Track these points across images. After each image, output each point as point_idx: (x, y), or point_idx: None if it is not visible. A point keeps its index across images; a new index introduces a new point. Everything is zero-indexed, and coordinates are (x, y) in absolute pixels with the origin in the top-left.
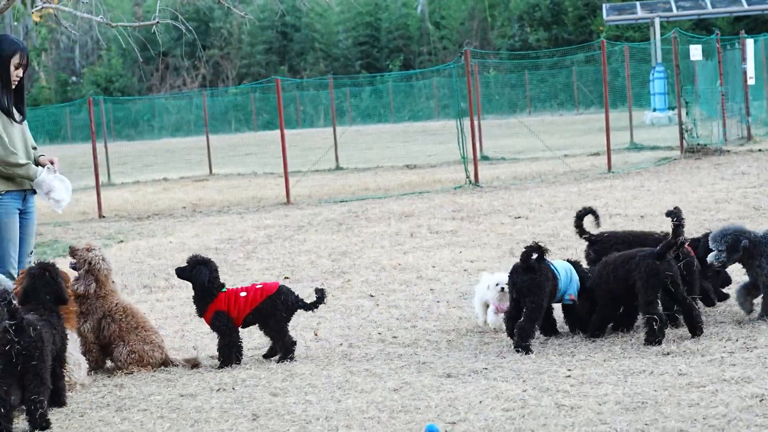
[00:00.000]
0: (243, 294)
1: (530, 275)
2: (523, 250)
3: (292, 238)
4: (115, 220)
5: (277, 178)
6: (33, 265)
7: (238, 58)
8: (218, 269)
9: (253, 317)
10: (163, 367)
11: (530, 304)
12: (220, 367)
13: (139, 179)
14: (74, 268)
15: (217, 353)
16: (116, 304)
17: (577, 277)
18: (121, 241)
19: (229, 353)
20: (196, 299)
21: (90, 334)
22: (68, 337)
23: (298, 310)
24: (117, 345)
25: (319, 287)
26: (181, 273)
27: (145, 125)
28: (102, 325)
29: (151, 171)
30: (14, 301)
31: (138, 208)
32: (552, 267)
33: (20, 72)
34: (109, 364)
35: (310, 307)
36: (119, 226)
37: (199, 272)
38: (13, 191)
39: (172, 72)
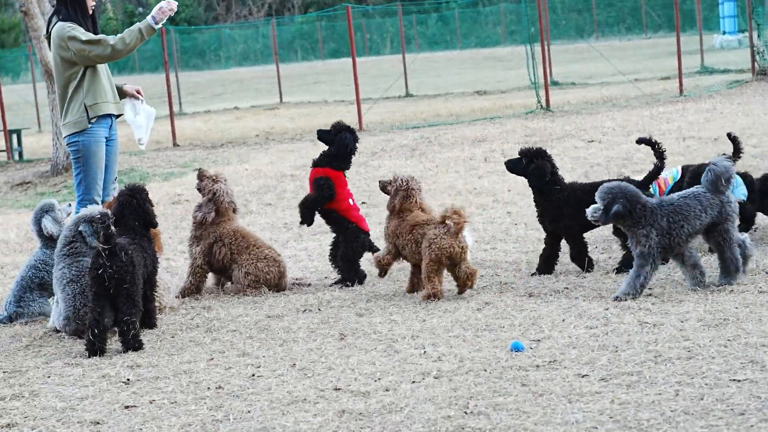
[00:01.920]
0: None
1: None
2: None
3: (366, 164)
4: (190, 149)
5: (347, 105)
6: (123, 189)
7: None
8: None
9: None
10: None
11: None
12: None
13: (210, 108)
14: (199, 190)
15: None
16: (228, 229)
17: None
18: (197, 170)
19: None
20: None
21: (199, 257)
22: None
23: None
24: (232, 269)
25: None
26: (324, 135)
27: (212, 55)
28: (213, 250)
29: (221, 100)
30: (111, 227)
31: (211, 137)
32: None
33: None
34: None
35: None
36: (194, 154)
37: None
38: (101, 117)
39: (237, 1)
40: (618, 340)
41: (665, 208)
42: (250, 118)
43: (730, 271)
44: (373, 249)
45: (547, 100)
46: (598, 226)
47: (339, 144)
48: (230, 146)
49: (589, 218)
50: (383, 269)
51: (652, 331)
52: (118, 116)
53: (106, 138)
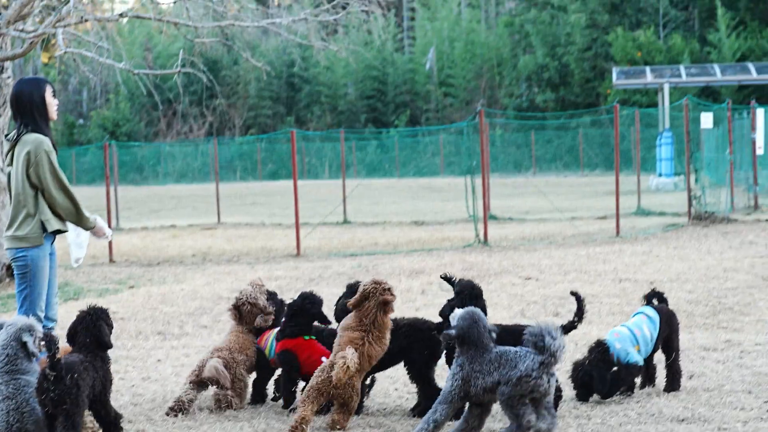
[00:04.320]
0: None
1: None
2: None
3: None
4: (126, 265)
5: (285, 229)
6: (85, 308)
7: (244, 108)
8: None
9: None
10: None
11: None
12: None
13: (147, 225)
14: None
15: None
16: None
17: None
18: (132, 287)
19: None
20: None
21: None
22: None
23: None
24: None
25: None
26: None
27: (150, 170)
28: None
29: (158, 217)
30: (57, 352)
31: (148, 254)
32: None
33: (56, 101)
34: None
35: None
36: (130, 271)
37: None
38: (48, 234)
39: (179, 119)
40: None
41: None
42: (187, 237)
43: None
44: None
45: (485, 234)
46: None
47: None
48: (167, 264)
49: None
50: None
51: None
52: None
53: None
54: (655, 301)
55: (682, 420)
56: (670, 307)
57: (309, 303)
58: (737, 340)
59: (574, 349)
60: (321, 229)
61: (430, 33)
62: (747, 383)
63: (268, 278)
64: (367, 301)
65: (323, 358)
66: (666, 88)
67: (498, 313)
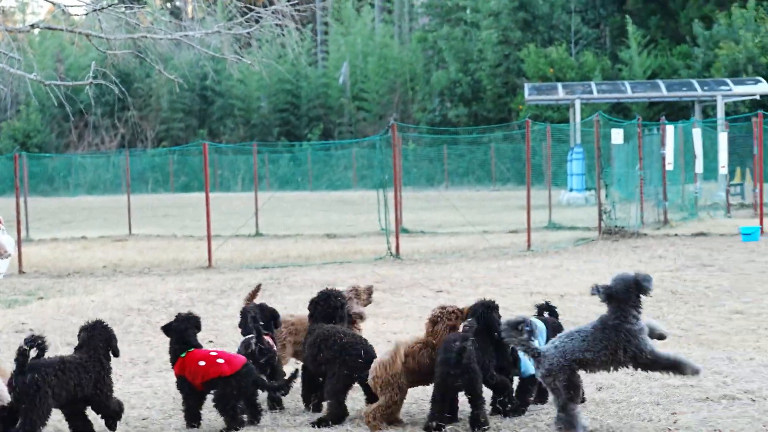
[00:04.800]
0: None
1: None
2: None
3: (214, 303)
4: (35, 277)
5: (197, 241)
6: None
7: (157, 120)
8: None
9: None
10: None
11: None
12: None
13: (57, 236)
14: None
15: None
16: None
17: None
18: (41, 298)
19: None
20: None
21: None
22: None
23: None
24: None
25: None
26: None
27: (61, 182)
28: None
29: (69, 228)
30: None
31: (58, 266)
32: None
33: None
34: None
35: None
36: (39, 282)
37: None
38: None
39: (91, 130)
40: None
41: None
42: (98, 248)
43: None
44: None
45: (397, 248)
46: None
47: None
48: (77, 276)
49: None
50: None
51: None
52: None
53: None
54: (546, 314)
55: None
56: (583, 320)
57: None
58: None
59: None
60: (233, 242)
61: (343, 47)
62: (655, 395)
63: (179, 290)
64: (435, 326)
65: (200, 362)
66: (577, 104)
67: (409, 325)
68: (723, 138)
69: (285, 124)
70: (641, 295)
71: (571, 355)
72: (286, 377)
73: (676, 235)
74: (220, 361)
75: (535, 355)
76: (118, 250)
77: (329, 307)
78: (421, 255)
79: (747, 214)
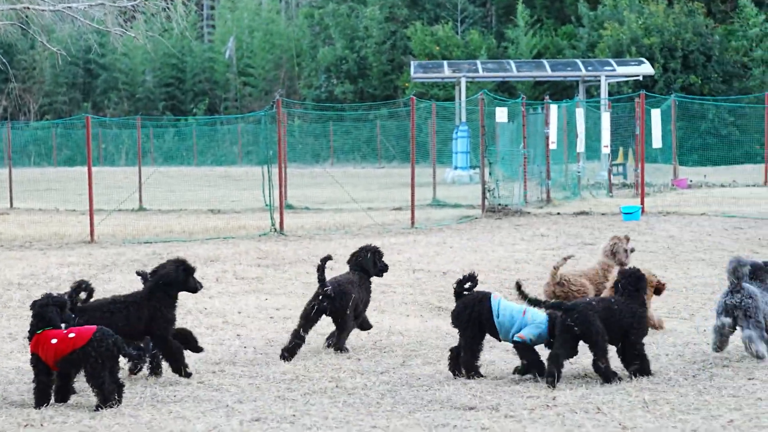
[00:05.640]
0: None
1: None
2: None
3: (96, 277)
4: None
5: (79, 216)
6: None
7: (40, 93)
8: None
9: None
10: None
11: None
12: None
13: None
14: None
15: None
16: None
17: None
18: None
19: None
20: None
21: None
22: None
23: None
24: None
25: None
26: None
27: None
28: None
29: None
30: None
31: None
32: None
33: None
34: None
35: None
36: None
37: None
38: None
39: None
40: None
41: None
42: None
43: None
44: None
45: (281, 224)
46: None
47: None
48: None
49: None
50: None
51: None
52: None
53: None
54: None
55: (471, 408)
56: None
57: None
58: None
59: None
60: (116, 216)
61: (230, 22)
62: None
63: (60, 264)
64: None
65: (53, 340)
66: (463, 82)
67: (292, 301)
68: (606, 118)
69: (170, 99)
70: None
71: None
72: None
73: (558, 213)
74: (71, 336)
75: None
76: None
77: None
78: (306, 231)
79: (628, 193)
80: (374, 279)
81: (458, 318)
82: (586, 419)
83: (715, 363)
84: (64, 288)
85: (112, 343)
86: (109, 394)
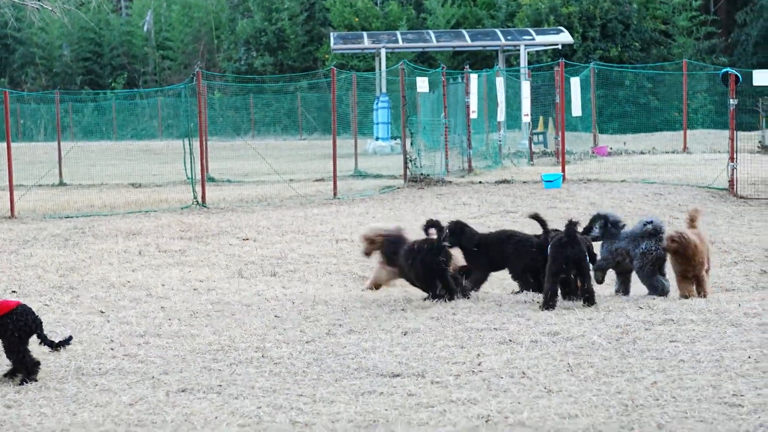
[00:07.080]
0: None
1: None
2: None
3: (17, 252)
4: None
5: None
6: None
7: None
8: None
9: None
10: None
11: None
12: None
13: None
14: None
15: None
16: None
17: None
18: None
19: None
20: None
21: None
22: None
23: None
24: None
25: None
26: None
27: None
28: None
29: None
30: None
31: None
32: None
33: None
34: None
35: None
36: None
37: None
38: None
39: None
40: None
41: None
42: None
43: None
44: None
45: (203, 196)
46: None
47: None
48: None
49: None
50: None
51: (304, 431)
52: None
53: None
54: None
55: (397, 375)
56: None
57: None
58: None
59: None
60: (36, 191)
61: None
62: (459, 339)
63: None
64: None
65: None
66: (383, 53)
67: (215, 273)
68: (526, 87)
69: (88, 73)
70: None
71: None
72: None
73: (480, 182)
74: None
75: None
76: None
77: None
78: (228, 203)
79: (549, 161)
80: (297, 250)
81: None
82: (511, 384)
83: (637, 327)
84: None
85: (32, 320)
86: (24, 366)
